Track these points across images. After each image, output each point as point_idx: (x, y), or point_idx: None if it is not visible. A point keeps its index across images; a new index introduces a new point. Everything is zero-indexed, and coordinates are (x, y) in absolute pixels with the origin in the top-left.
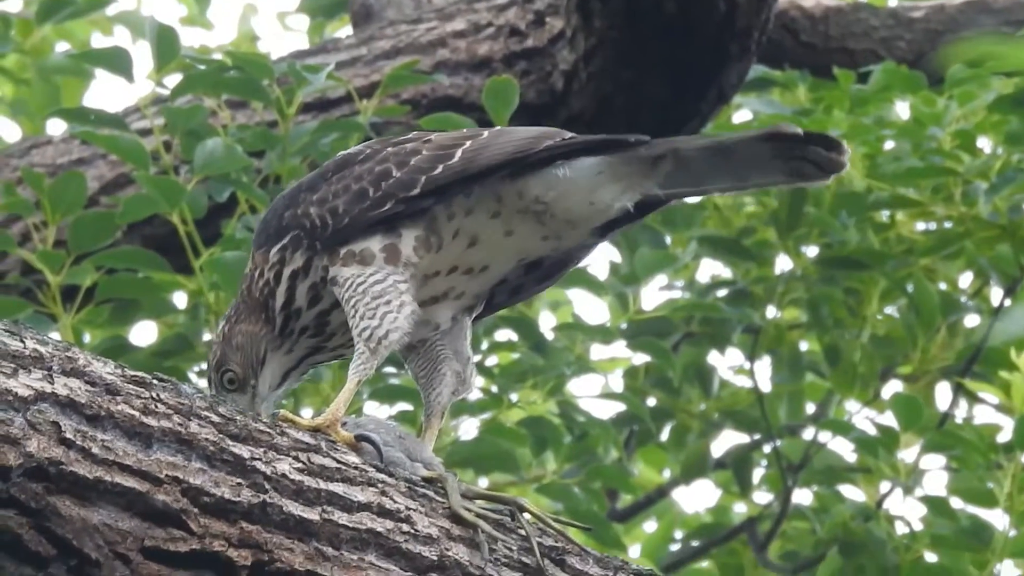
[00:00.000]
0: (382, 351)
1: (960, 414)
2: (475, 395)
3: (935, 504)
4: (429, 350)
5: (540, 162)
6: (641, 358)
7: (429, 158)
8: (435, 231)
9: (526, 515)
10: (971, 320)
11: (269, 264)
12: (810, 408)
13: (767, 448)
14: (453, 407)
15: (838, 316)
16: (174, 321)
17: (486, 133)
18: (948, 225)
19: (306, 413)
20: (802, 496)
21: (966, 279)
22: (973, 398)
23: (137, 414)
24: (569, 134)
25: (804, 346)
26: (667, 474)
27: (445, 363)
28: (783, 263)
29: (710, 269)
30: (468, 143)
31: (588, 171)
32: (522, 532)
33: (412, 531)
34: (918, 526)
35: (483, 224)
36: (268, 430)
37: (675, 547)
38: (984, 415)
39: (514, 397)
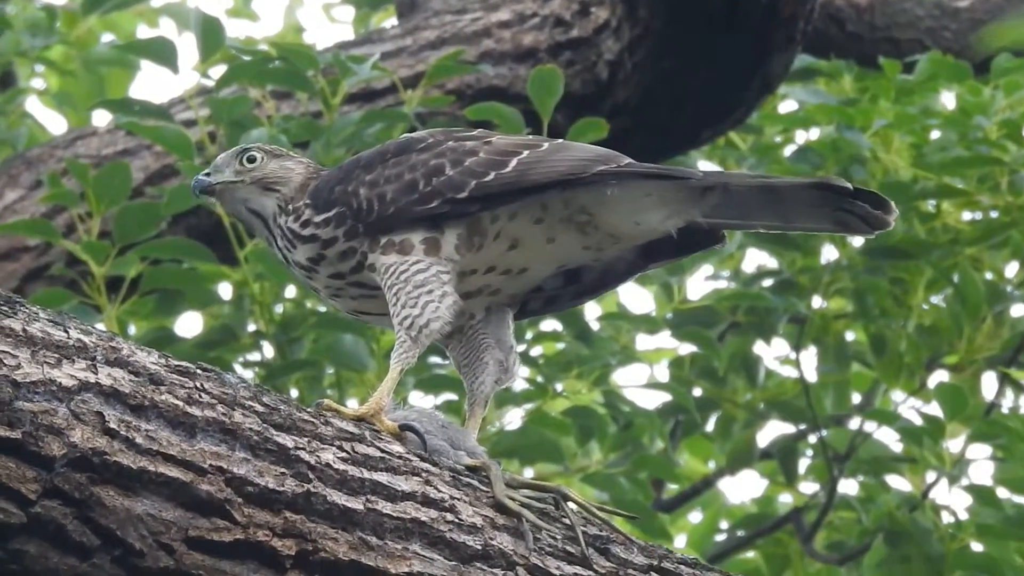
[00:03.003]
0: (423, 340)
1: (1006, 403)
2: (520, 385)
3: (981, 493)
4: (471, 339)
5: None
6: (687, 348)
7: (484, 162)
8: (478, 231)
9: (570, 504)
10: (1017, 310)
11: (315, 222)
12: (856, 398)
13: (813, 438)
14: (498, 397)
15: (884, 306)
16: (219, 312)
17: (545, 145)
18: (994, 214)
19: (351, 403)
20: (848, 486)
21: (1012, 268)
22: (1019, 387)
23: (181, 404)
24: (626, 160)
25: (850, 336)
26: (712, 464)
27: (488, 352)
28: (829, 253)
29: (756, 259)
30: (525, 153)
31: (637, 192)
32: (566, 521)
33: (456, 520)
34: (964, 515)
35: (526, 229)
36: (312, 419)
37: (721, 537)
38: None
39: (559, 387)
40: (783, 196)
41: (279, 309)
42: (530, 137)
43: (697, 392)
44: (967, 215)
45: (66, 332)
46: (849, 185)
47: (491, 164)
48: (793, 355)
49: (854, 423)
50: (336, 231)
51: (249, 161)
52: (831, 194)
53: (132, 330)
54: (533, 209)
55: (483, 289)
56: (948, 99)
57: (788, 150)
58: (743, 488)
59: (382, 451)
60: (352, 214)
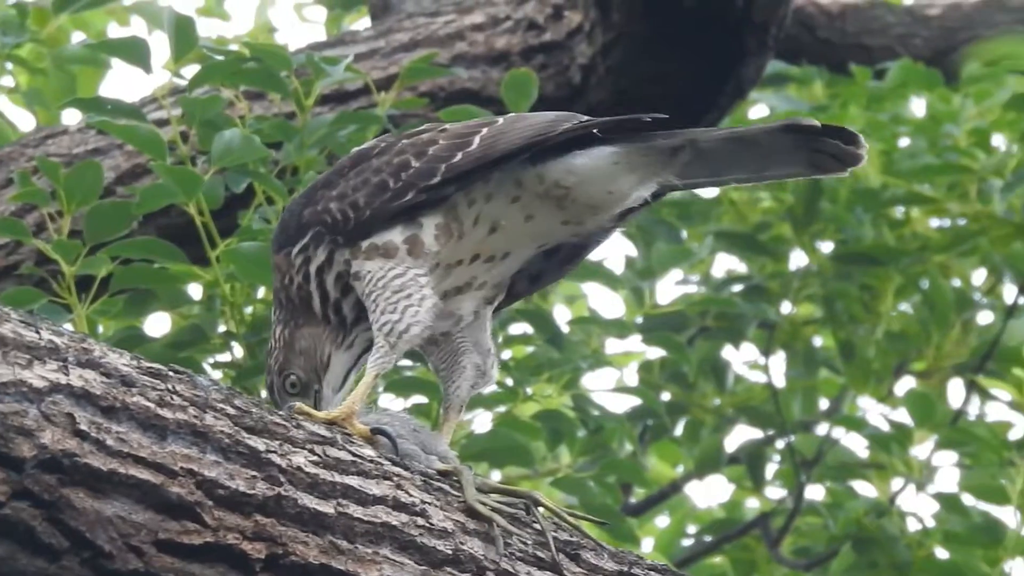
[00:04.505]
0: (402, 346)
1: (973, 411)
2: (490, 388)
3: (947, 501)
4: (450, 343)
5: (558, 150)
6: (656, 352)
7: (447, 147)
8: (456, 218)
9: (541, 509)
10: (985, 317)
11: (295, 267)
12: (824, 404)
13: (781, 443)
14: (468, 400)
15: (853, 312)
16: (189, 312)
17: (501, 120)
18: (963, 222)
19: None
20: (815, 492)
21: (980, 276)
22: (986, 395)
23: (152, 406)
24: (585, 117)
25: (818, 342)
26: (681, 469)
27: (465, 356)
28: (798, 259)
29: (725, 264)
30: (485, 130)
31: (605, 160)
32: (537, 526)
33: (427, 525)
34: (930, 523)
35: (504, 209)
36: (284, 423)
37: (688, 542)
38: (997, 412)
39: (529, 390)
40: (753, 145)
41: (249, 310)
42: (483, 119)
43: (666, 396)
44: (936, 222)
45: (38, 333)
46: (818, 123)
47: (455, 147)
48: (762, 360)
49: (822, 429)
50: (316, 251)
51: (292, 387)
52: (802, 136)
53: (101, 330)
54: (509, 188)
55: (471, 282)
56: (918, 106)
57: None
58: (710, 493)
59: (353, 455)
60: (329, 229)
